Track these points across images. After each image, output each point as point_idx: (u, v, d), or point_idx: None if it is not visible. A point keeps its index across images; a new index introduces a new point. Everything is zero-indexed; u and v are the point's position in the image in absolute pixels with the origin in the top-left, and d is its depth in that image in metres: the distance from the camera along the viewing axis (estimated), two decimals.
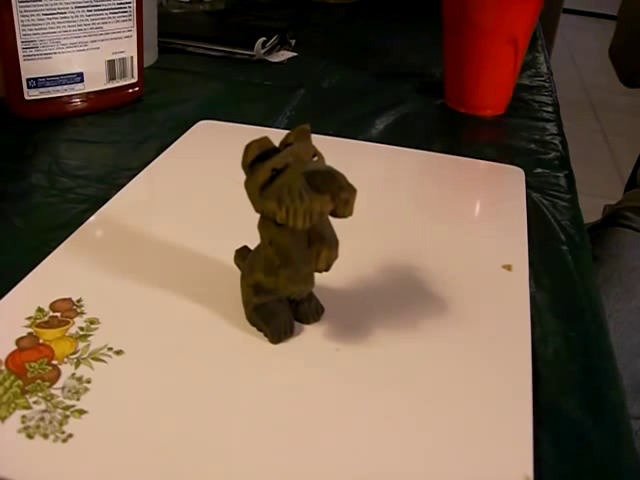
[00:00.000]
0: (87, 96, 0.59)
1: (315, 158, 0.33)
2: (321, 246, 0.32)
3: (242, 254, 0.37)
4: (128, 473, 0.27)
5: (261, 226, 0.33)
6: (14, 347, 0.32)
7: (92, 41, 0.58)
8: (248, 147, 0.32)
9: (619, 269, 0.70)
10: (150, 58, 0.72)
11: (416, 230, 0.40)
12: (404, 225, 0.46)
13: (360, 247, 0.41)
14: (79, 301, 0.36)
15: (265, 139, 0.32)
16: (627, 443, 0.32)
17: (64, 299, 0.36)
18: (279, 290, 0.34)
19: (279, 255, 0.32)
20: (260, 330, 0.35)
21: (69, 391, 0.30)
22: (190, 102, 0.64)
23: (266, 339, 0.34)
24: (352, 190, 0.31)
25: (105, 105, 0.61)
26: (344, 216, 0.31)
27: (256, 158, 0.32)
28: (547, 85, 0.76)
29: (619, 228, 0.77)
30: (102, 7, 0.57)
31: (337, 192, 0.30)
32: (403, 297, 0.39)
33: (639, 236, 0.75)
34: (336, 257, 0.33)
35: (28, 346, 0.33)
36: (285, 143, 0.33)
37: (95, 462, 0.27)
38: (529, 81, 0.75)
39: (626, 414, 0.33)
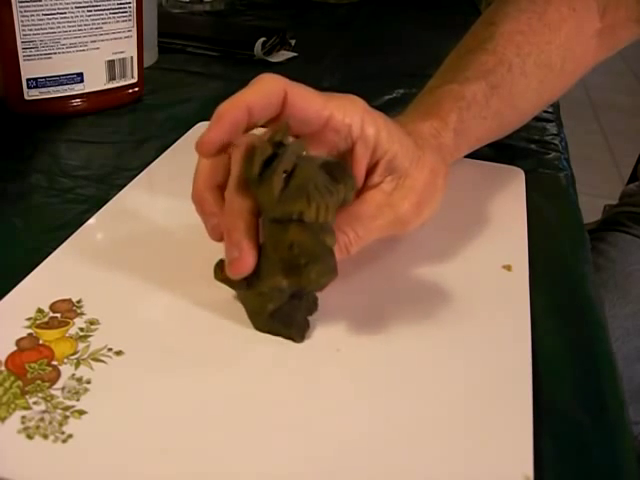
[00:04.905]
0: (87, 96, 0.59)
1: (304, 152, 0.34)
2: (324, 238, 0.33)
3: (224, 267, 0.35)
4: (128, 473, 0.27)
5: (276, 231, 0.32)
6: (14, 348, 0.32)
7: (92, 41, 0.58)
8: (252, 158, 0.32)
9: (615, 275, 0.70)
10: (150, 58, 0.72)
11: (416, 230, 0.40)
12: None
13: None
14: (79, 302, 0.36)
15: (265, 144, 0.32)
16: (627, 443, 0.32)
17: (64, 300, 0.36)
18: (307, 287, 0.33)
19: (305, 254, 0.32)
20: (278, 334, 0.34)
21: (69, 392, 0.30)
22: (190, 102, 0.64)
23: (266, 340, 0.34)
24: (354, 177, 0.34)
25: (105, 105, 0.61)
26: (349, 203, 0.34)
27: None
28: None
29: (615, 233, 0.76)
30: (102, 7, 0.57)
31: (348, 180, 0.33)
32: (403, 297, 0.39)
33: (635, 242, 0.75)
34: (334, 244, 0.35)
35: (28, 347, 0.33)
36: (277, 142, 0.33)
37: (95, 462, 0.27)
38: None
39: (626, 414, 0.33)
